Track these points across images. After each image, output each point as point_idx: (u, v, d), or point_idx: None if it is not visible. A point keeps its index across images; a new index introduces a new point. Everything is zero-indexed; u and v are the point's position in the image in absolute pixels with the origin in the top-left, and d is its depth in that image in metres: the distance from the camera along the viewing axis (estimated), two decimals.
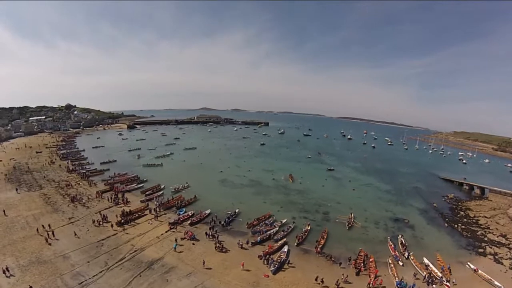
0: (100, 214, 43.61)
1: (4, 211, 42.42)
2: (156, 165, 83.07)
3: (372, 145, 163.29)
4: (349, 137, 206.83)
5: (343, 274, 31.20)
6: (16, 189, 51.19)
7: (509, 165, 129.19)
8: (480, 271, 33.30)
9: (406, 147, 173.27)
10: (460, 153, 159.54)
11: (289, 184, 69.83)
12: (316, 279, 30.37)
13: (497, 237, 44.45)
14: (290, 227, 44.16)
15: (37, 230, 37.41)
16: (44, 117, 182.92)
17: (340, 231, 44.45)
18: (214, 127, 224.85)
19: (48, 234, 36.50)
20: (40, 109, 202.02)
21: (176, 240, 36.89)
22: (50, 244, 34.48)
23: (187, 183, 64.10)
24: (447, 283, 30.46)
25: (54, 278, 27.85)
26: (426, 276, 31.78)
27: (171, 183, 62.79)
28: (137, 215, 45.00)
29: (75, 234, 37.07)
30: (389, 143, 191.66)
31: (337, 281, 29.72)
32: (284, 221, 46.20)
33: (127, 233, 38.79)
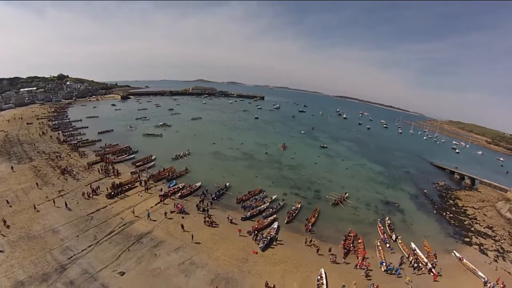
0: (91, 186, 42.26)
1: None
2: (156, 135, 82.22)
3: (367, 126, 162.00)
4: (344, 116, 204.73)
5: (331, 255, 31.27)
6: (12, 167, 48.06)
7: (501, 159, 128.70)
8: (465, 260, 33.67)
9: (400, 131, 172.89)
10: (454, 142, 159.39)
11: (282, 159, 69.25)
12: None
13: (484, 228, 44.83)
14: (279, 204, 43.85)
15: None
16: (35, 88, 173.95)
17: (331, 211, 44.61)
18: (209, 99, 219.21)
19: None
20: (31, 80, 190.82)
21: (166, 213, 36.49)
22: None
23: (188, 150, 63.99)
24: (433, 270, 30.89)
25: (43, 253, 27.19)
26: (413, 261, 32.16)
27: (164, 153, 61.56)
28: (127, 187, 43.85)
29: (65, 207, 36.07)
30: (384, 125, 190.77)
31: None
32: (274, 197, 45.73)
33: (117, 206, 37.88)
